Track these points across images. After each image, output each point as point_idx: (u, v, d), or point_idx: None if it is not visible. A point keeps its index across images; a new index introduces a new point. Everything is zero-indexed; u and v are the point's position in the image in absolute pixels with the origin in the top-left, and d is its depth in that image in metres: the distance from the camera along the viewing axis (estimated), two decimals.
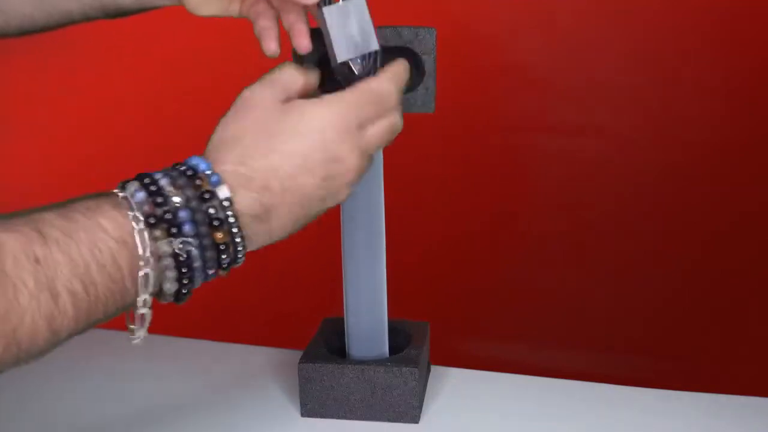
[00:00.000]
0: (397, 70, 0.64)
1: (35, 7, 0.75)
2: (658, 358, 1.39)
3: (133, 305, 0.54)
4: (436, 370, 0.86)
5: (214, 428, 0.79)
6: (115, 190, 0.55)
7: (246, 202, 0.56)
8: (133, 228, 0.53)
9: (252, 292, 1.27)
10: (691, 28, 1.28)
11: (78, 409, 0.82)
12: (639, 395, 0.82)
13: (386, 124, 0.63)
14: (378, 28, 0.71)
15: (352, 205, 0.76)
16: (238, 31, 1.34)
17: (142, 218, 0.53)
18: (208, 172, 0.56)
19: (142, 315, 0.55)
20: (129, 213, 0.53)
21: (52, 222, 0.51)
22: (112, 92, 1.36)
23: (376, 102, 0.62)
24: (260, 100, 0.60)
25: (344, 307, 0.79)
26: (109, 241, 0.52)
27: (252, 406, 0.82)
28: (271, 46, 0.68)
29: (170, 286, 0.54)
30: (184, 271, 0.54)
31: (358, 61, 0.64)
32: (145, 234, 0.53)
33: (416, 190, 1.34)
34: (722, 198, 1.34)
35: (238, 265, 0.58)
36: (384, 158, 0.76)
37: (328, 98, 0.60)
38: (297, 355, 0.80)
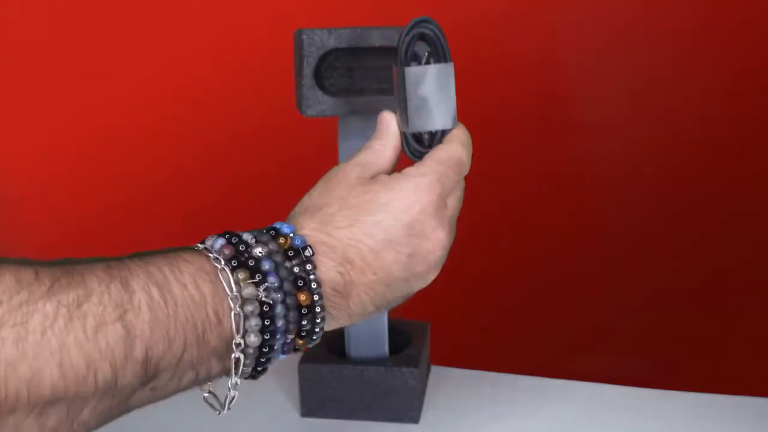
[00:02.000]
0: (465, 136, 0.61)
1: None
2: (658, 358, 1.39)
3: (219, 355, 0.50)
4: (436, 370, 0.86)
5: (214, 428, 0.79)
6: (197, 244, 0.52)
7: (327, 272, 0.54)
8: (215, 267, 0.50)
9: None
10: (692, 29, 1.28)
11: None
12: (639, 395, 0.82)
13: (460, 192, 0.60)
14: (379, 28, 0.71)
15: None
16: (239, 35, 1.35)
17: (223, 260, 0.50)
18: (291, 234, 0.53)
19: (237, 359, 0.51)
20: (210, 255, 0.51)
21: (130, 258, 0.49)
22: (111, 93, 1.37)
23: (457, 172, 0.59)
24: (346, 176, 0.57)
25: None
26: (190, 267, 0.49)
27: (252, 406, 0.82)
28: None
29: (254, 339, 0.51)
30: (267, 323, 0.51)
31: (430, 132, 0.60)
32: (229, 274, 0.50)
33: None
34: (723, 198, 1.34)
35: (314, 342, 0.55)
36: None
37: (413, 173, 0.57)
38: (297, 355, 0.80)
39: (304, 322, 0.53)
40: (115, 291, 0.46)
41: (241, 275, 0.50)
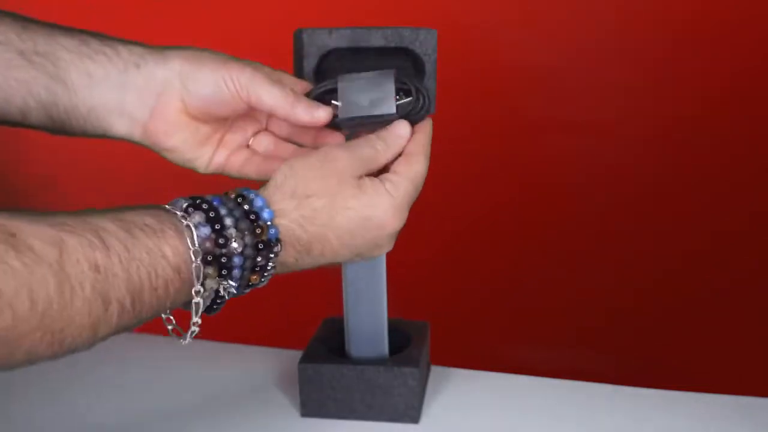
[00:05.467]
0: (427, 143, 0.69)
1: None
2: (658, 358, 1.39)
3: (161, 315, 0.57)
4: (436, 370, 0.86)
5: (215, 428, 0.79)
6: (178, 214, 0.57)
7: (286, 256, 0.61)
8: (190, 260, 0.56)
9: (252, 292, 1.27)
10: (691, 28, 1.28)
11: (78, 408, 0.82)
12: (639, 395, 0.82)
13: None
14: (379, 28, 0.71)
15: None
16: (239, 35, 1.35)
17: (201, 254, 0.56)
18: (269, 223, 0.59)
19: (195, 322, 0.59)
20: (190, 247, 0.56)
21: (115, 234, 0.53)
22: None
23: (418, 188, 0.66)
24: (342, 169, 0.63)
25: (344, 307, 0.79)
26: (167, 269, 0.55)
27: (252, 406, 0.82)
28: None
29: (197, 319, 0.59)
30: (218, 302, 0.59)
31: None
32: (201, 270, 0.56)
33: None
34: (722, 198, 1.34)
35: (266, 278, 0.62)
36: None
37: (392, 191, 0.63)
38: (297, 355, 0.80)
39: (259, 258, 0.59)
40: (95, 308, 0.51)
41: (210, 271, 0.57)
